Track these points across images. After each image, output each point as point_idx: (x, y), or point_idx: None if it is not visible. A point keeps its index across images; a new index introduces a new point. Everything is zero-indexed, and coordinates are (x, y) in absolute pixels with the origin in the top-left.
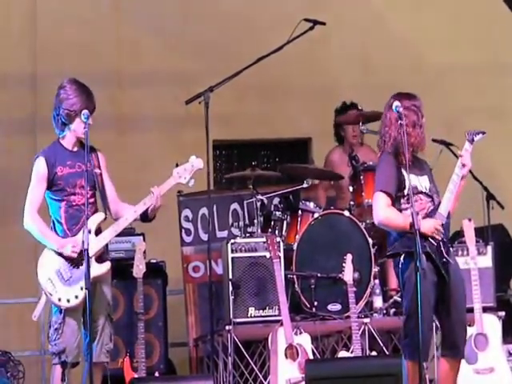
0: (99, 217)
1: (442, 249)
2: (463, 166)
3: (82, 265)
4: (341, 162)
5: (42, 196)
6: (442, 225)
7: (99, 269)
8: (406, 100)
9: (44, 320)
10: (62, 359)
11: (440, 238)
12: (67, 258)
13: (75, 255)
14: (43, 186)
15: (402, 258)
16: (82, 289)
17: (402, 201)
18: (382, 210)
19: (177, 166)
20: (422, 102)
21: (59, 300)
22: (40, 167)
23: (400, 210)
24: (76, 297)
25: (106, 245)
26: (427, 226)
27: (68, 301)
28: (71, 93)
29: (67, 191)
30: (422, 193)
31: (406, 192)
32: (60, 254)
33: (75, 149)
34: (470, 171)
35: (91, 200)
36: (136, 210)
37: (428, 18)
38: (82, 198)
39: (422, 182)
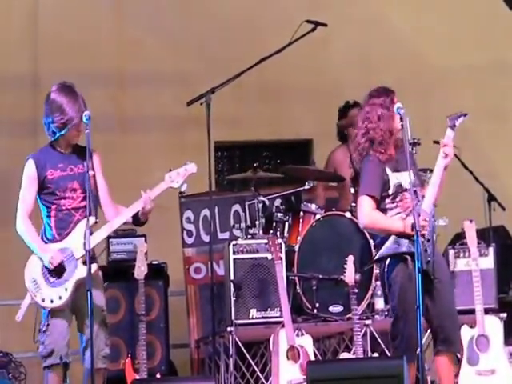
0: (90, 221)
1: (427, 248)
2: (446, 156)
3: (60, 277)
4: (344, 161)
5: (33, 198)
6: (426, 221)
7: (85, 271)
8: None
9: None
10: (56, 361)
11: (426, 233)
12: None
13: (51, 267)
14: (34, 189)
15: (387, 262)
16: (66, 290)
17: (386, 200)
18: (367, 215)
19: (170, 170)
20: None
21: (43, 300)
22: (30, 170)
23: (384, 210)
24: (60, 297)
25: (108, 246)
26: (411, 224)
27: (51, 301)
28: (60, 103)
29: (57, 195)
30: (406, 190)
31: (390, 192)
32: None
33: (67, 151)
34: (471, 172)
35: (82, 203)
36: (127, 213)
37: (429, 18)
38: (72, 202)
39: (406, 178)
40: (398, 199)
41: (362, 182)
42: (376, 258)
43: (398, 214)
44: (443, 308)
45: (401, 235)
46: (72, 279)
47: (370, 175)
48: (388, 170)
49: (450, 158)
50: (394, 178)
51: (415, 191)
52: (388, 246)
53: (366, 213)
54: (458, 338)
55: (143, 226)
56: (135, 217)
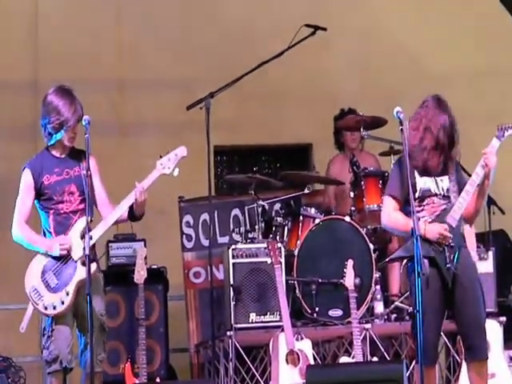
0: (85, 220)
1: (447, 253)
2: (486, 165)
3: (61, 279)
4: (343, 168)
5: (30, 206)
6: (453, 228)
7: (85, 272)
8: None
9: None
10: (58, 367)
11: (447, 243)
12: (57, 258)
13: (65, 252)
14: (31, 196)
15: (405, 262)
16: (67, 294)
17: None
18: (387, 215)
19: (160, 157)
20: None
21: (45, 308)
22: (26, 179)
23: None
24: (62, 302)
25: (108, 251)
26: (432, 231)
27: (54, 308)
28: (57, 104)
29: (54, 200)
30: (436, 195)
31: (417, 195)
32: (49, 256)
33: (63, 155)
34: (470, 176)
35: (80, 206)
36: (122, 206)
37: (428, 23)
38: (70, 205)
39: (439, 184)
40: (424, 203)
41: (388, 183)
42: (391, 257)
43: (423, 217)
44: (466, 315)
45: (421, 238)
46: (73, 282)
47: (395, 177)
48: (416, 174)
49: (489, 169)
50: (422, 183)
51: (449, 196)
52: (406, 247)
53: (387, 213)
54: (483, 344)
55: (139, 220)
56: (130, 212)
